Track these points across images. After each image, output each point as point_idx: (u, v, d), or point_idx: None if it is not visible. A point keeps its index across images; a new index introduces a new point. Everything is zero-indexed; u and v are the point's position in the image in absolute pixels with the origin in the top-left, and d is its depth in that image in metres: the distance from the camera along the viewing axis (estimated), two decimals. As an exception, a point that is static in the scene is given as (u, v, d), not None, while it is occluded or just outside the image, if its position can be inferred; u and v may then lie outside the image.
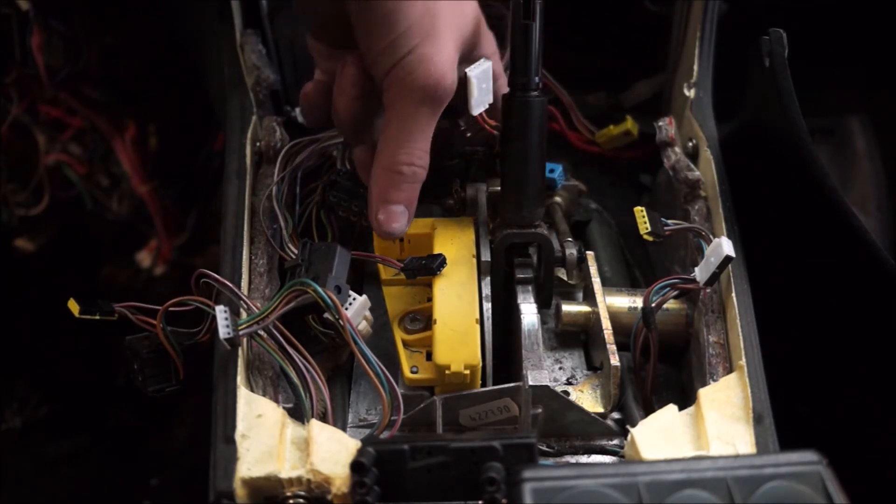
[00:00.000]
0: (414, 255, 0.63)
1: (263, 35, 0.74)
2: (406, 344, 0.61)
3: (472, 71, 0.56)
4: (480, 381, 0.58)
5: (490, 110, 0.61)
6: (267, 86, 0.72)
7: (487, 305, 0.61)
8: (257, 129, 0.69)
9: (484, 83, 0.57)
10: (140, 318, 0.58)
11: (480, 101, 0.57)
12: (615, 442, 0.58)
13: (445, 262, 0.61)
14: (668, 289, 0.60)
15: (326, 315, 0.56)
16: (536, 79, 0.59)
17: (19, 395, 1.04)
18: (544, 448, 0.57)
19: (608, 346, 0.59)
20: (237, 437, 0.51)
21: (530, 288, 0.63)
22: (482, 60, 0.56)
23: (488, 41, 0.61)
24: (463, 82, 0.57)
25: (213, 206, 1.12)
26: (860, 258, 0.62)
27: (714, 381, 0.56)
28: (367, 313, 0.59)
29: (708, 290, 0.60)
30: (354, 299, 0.57)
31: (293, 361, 0.54)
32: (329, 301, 0.54)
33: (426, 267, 0.61)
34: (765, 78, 0.63)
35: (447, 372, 0.56)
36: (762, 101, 0.67)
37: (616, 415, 0.60)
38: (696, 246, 0.62)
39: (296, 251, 0.61)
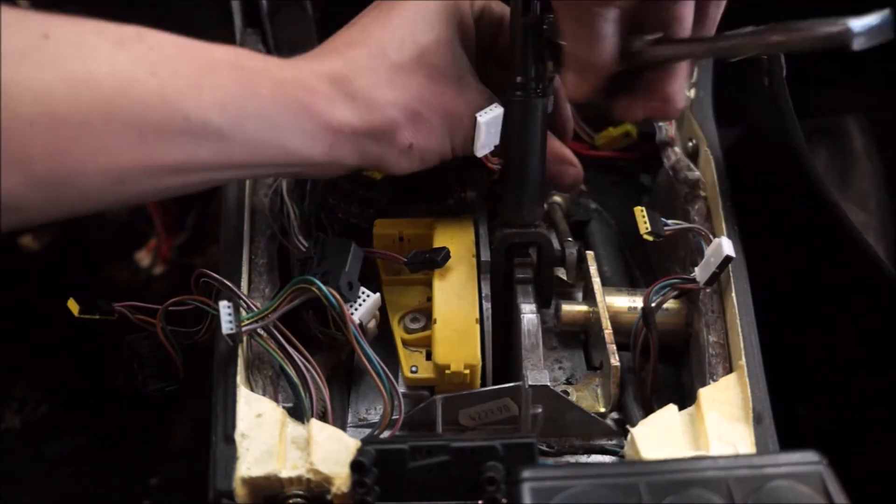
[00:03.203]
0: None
1: (263, 35, 0.74)
2: (406, 343, 0.61)
3: (483, 117, 0.58)
4: (480, 381, 0.58)
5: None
6: (267, 85, 0.72)
7: (487, 305, 0.61)
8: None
9: (493, 128, 0.59)
10: (140, 317, 0.58)
11: (486, 143, 0.59)
12: (615, 442, 0.58)
13: (450, 255, 0.61)
14: (668, 289, 0.60)
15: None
16: (537, 78, 0.59)
17: (19, 394, 1.04)
18: (544, 448, 0.57)
19: (608, 345, 0.59)
20: (237, 436, 0.51)
21: (530, 288, 0.63)
22: (494, 106, 0.59)
23: None
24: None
25: (213, 205, 1.12)
26: (861, 270, 0.62)
27: (714, 381, 0.56)
28: (377, 312, 0.59)
29: (708, 290, 0.60)
30: (368, 296, 0.58)
31: (293, 361, 0.54)
32: (333, 300, 0.54)
33: (430, 260, 0.61)
34: (764, 97, 0.64)
35: (447, 371, 0.56)
36: (763, 116, 0.68)
37: (616, 415, 0.60)
38: (696, 246, 0.62)
39: (306, 244, 0.61)
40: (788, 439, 0.51)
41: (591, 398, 0.62)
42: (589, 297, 0.64)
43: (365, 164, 0.57)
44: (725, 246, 0.57)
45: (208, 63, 0.50)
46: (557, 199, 0.73)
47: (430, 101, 0.57)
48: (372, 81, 0.55)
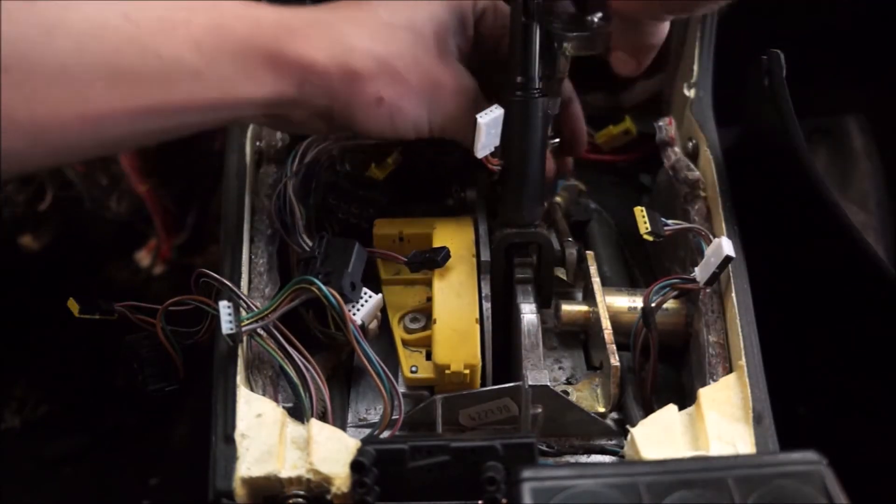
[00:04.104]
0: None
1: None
2: (406, 343, 0.61)
3: (483, 118, 0.57)
4: (480, 381, 0.58)
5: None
6: (267, 85, 0.72)
7: (487, 305, 0.61)
8: (257, 129, 0.69)
9: (493, 129, 0.59)
10: (140, 317, 0.58)
11: (487, 144, 0.59)
12: (615, 442, 0.58)
13: (450, 255, 0.61)
14: (667, 289, 0.60)
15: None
16: (537, 78, 0.59)
17: (19, 394, 1.04)
18: (544, 448, 0.57)
19: (608, 345, 0.59)
20: (237, 436, 0.51)
21: (530, 288, 0.63)
22: (494, 107, 0.58)
23: None
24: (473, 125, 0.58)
25: (213, 205, 1.12)
26: (861, 270, 0.62)
27: (714, 381, 0.56)
28: (378, 313, 0.59)
29: (708, 290, 0.60)
30: (371, 297, 0.58)
31: (293, 360, 0.54)
32: (333, 300, 0.54)
33: (430, 260, 0.61)
34: (764, 97, 0.64)
35: (447, 371, 0.56)
36: (763, 116, 0.68)
37: (616, 415, 0.60)
38: (696, 246, 0.62)
39: (310, 243, 0.61)
40: (788, 439, 0.51)
41: (591, 398, 0.62)
42: (589, 297, 0.64)
43: (335, 110, 0.57)
44: (725, 246, 0.57)
45: (183, 4, 0.51)
46: (557, 199, 0.73)
47: (409, 60, 0.57)
48: (356, 31, 0.56)
